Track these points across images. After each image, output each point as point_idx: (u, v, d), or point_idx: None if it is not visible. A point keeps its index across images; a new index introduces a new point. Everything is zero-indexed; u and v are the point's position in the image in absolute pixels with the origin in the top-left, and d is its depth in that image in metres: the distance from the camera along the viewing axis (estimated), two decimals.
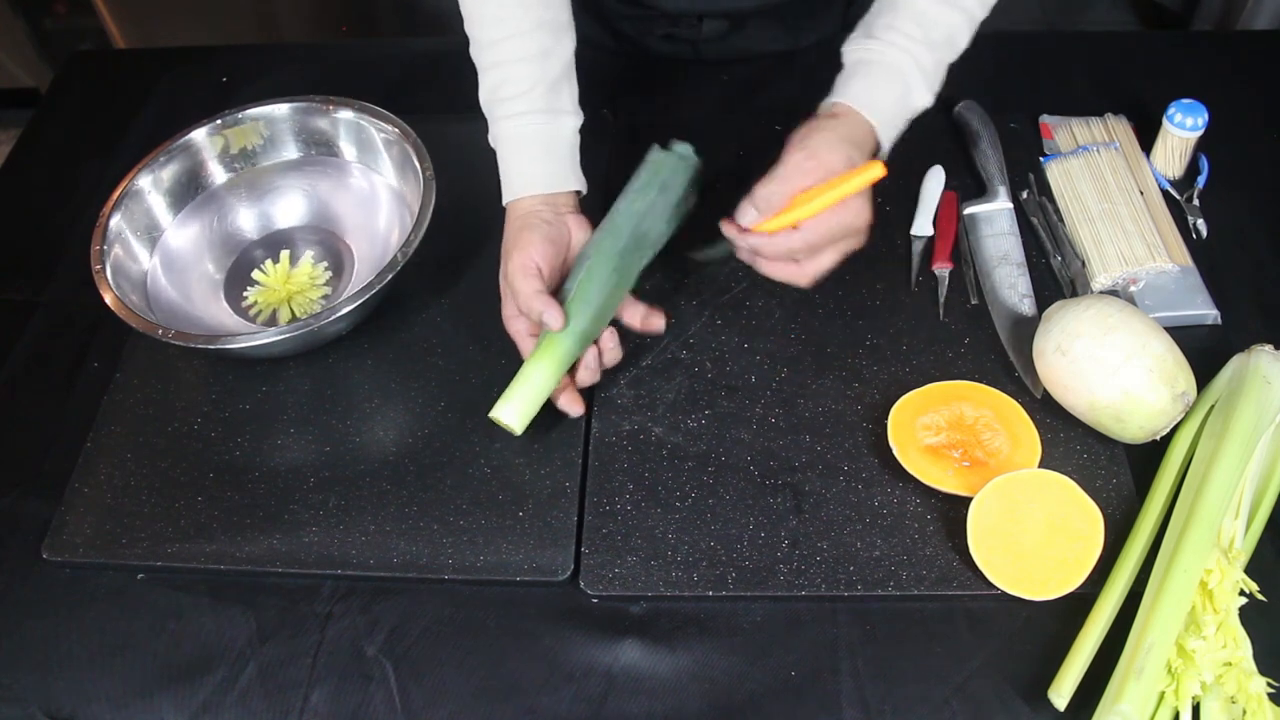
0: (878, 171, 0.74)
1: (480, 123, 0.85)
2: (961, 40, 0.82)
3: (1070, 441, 0.79)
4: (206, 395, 0.86)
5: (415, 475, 0.80)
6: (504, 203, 0.84)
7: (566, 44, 0.85)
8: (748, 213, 0.77)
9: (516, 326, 0.81)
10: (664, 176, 0.84)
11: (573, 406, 0.80)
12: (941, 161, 0.97)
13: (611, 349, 0.81)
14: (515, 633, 0.73)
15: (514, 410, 0.77)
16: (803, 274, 0.79)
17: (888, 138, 0.81)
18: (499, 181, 0.84)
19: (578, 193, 0.85)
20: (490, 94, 0.84)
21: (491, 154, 0.85)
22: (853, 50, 0.82)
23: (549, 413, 0.81)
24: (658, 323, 0.83)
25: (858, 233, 0.78)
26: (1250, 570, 0.70)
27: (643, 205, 0.83)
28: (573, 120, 0.84)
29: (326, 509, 0.79)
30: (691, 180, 0.86)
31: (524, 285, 0.78)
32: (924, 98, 0.81)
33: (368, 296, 0.81)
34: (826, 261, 0.78)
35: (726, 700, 0.70)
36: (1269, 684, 0.65)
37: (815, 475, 0.79)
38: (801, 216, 0.75)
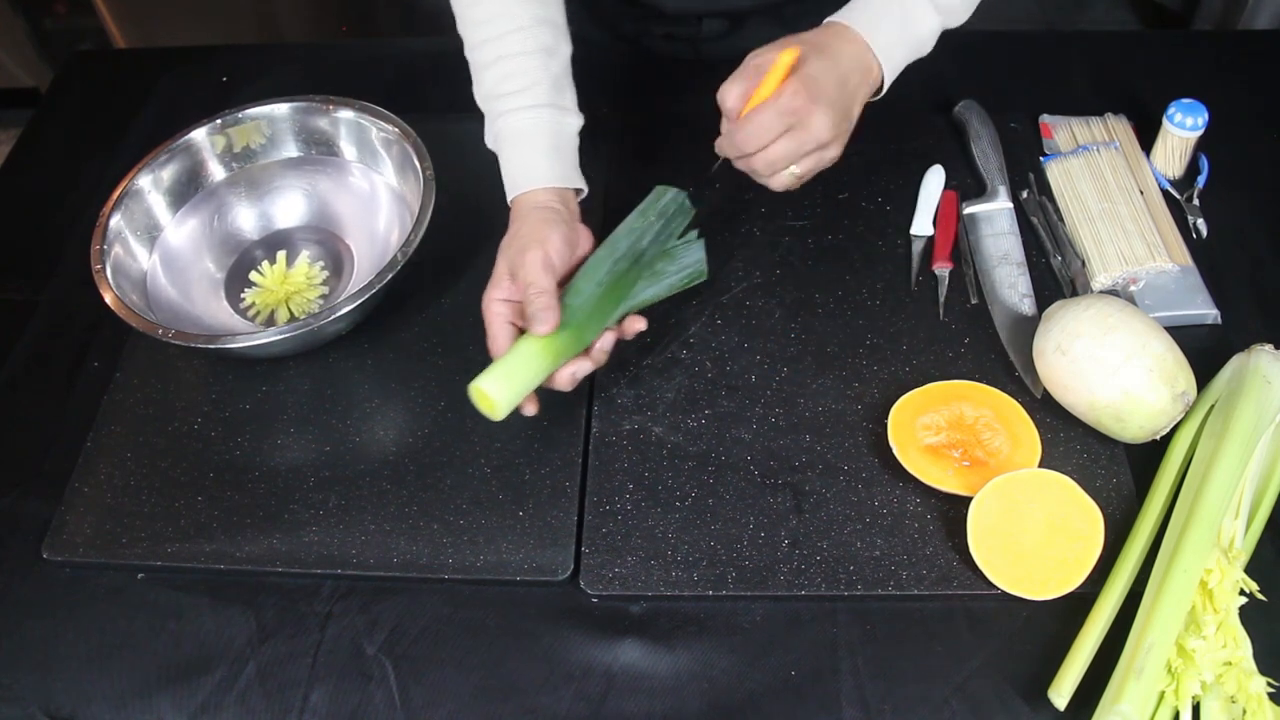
0: (788, 57, 0.75)
1: (481, 121, 0.85)
2: None
3: (1070, 441, 0.79)
4: (206, 395, 0.86)
5: (415, 475, 0.80)
6: (511, 197, 0.82)
7: (565, 46, 0.85)
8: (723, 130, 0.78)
9: (499, 309, 0.78)
10: (663, 205, 0.84)
11: (528, 404, 0.78)
12: (941, 161, 0.97)
13: (599, 353, 0.80)
14: (515, 632, 0.73)
15: (498, 386, 0.74)
16: (765, 174, 0.77)
17: (884, 49, 0.79)
18: (502, 182, 0.83)
19: (579, 193, 0.84)
20: (491, 89, 0.83)
21: (491, 153, 0.85)
22: None
23: (549, 412, 0.81)
24: (637, 325, 0.81)
25: (803, 131, 0.74)
26: (1250, 570, 0.70)
27: (641, 225, 0.83)
28: (575, 121, 0.84)
29: (326, 509, 0.79)
30: (687, 223, 0.85)
31: (541, 280, 0.76)
32: (929, 19, 0.80)
33: (367, 296, 0.81)
34: (778, 161, 0.75)
35: (726, 700, 0.70)
36: (1269, 684, 0.65)
37: (815, 475, 0.79)
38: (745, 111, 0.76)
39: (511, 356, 0.75)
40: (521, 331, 0.78)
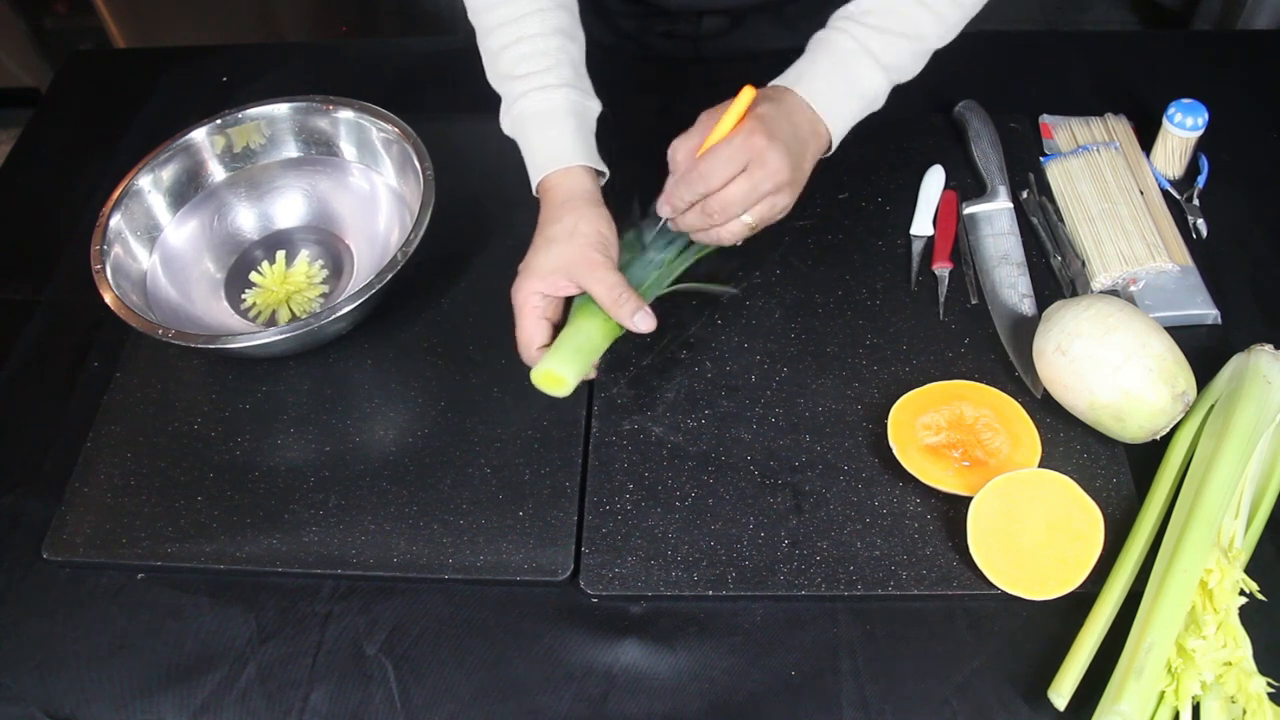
0: (746, 94, 0.73)
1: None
2: (930, 34, 0.80)
3: (1070, 441, 0.79)
4: (206, 395, 0.86)
5: (415, 475, 0.80)
6: (540, 176, 0.80)
7: (581, 34, 0.84)
8: (666, 188, 0.76)
9: (536, 303, 0.77)
10: None
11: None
12: (941, 161, 0.97)
13: None
14: (515, 632, 0.73)
15: (568, 367, 0.74)
16: (720, 225, 0.75)
17: (831, 114, 0.78)
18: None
19: (601, 176, 0.82)
20: (510, 69, 0.81)
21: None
22: (808, 44, 0.81)
23: (549, 412, 0.81)
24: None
25: (760, 169, 0.73)
26: (1250, 570, 0.70)
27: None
28: (596, 106, 0.83)
29: (326, 509, 0.79)
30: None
31: (610, 275, 0.75)
32: (875, 79, 0.79)
33: (367, 296, 0.81)
34: (734, 202, 0.73)
35: (726, 700, 0.70)
36: (1269, 684, 0.65)
37: (815, 475, 0.79)
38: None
39: (575, 338, 0.75)
40: (547, 322, 0.78)
